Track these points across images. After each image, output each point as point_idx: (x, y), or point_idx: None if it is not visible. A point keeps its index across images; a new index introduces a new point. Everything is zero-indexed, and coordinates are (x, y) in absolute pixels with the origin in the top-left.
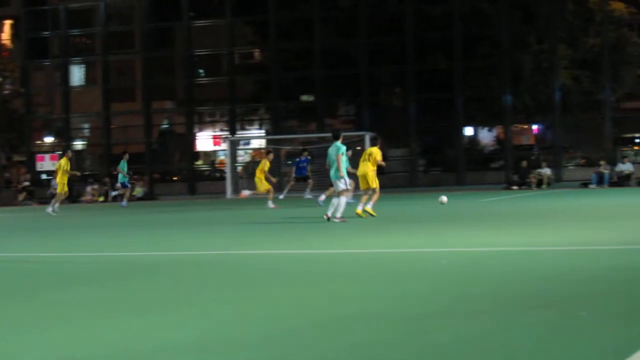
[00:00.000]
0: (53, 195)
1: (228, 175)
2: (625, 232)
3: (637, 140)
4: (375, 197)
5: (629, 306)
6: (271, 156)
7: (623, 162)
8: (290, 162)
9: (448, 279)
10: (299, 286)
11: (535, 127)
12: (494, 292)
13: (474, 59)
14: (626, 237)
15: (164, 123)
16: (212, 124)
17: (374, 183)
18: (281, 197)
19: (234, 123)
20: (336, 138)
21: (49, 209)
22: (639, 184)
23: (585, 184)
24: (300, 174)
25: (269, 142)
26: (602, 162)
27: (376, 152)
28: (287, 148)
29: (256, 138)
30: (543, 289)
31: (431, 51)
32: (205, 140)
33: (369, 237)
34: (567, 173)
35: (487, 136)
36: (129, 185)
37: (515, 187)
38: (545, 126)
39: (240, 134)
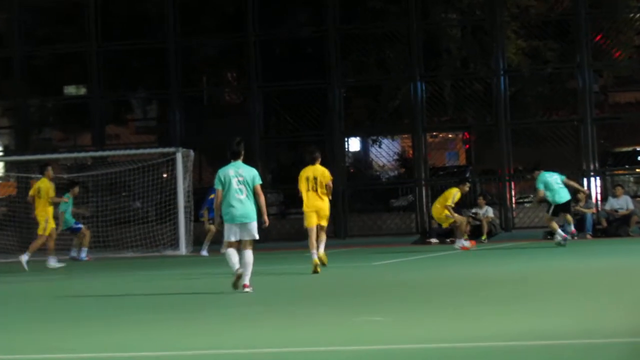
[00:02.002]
0: None
1: None
2: (602, 316)
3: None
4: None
5: None
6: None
7: (616, 196)
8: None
9: None
10: None
11: (466, 136)
12: None
13: (361, 23)
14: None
15: None
16: None
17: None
18: (204, 253)
19: None
20: (237, 155)
21: (24, 257)
22: None
23: (552, 233)
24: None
25: (9, 166)
26: (580, 196)
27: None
28: (39, 177)
29: None
30: None
31: (289, 11)
32: None
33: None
34: (523, 215)
35: (385, 153)
36: (81, 226)
37: (434, 241)
38: (483, 135)
39: None
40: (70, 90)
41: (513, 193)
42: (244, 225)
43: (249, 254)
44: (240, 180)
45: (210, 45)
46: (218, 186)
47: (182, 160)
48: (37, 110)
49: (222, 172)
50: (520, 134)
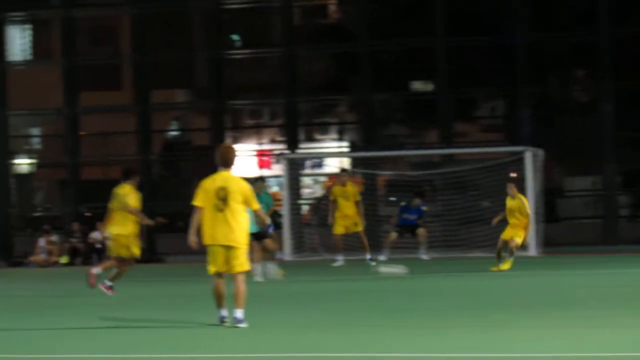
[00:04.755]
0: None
1: (286, 222)
2: None
3: None
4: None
5: None
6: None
7: None
8: (395, 199)
9: None
10: None
11: None
12: None
13: None
14: None
15: (173, 126)
16: (256, 131)
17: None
18: (383, 258)
19: (294, 130)
20: None
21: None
22: None
23: None
24: (404, 223)
25: (355, 162)
26: None
27: None
28: (387, 174)
29: (333, 156)
30: None
31: None
32: (241, 159)
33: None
34: None
35: None
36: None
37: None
38: None
39: (305, 147)
40: (417, 85)
41: None
42: None
43: None
44: None
45: (561, 43)
46: None
47: (531, 159)
48: (383, 105)
49: None
50: None
